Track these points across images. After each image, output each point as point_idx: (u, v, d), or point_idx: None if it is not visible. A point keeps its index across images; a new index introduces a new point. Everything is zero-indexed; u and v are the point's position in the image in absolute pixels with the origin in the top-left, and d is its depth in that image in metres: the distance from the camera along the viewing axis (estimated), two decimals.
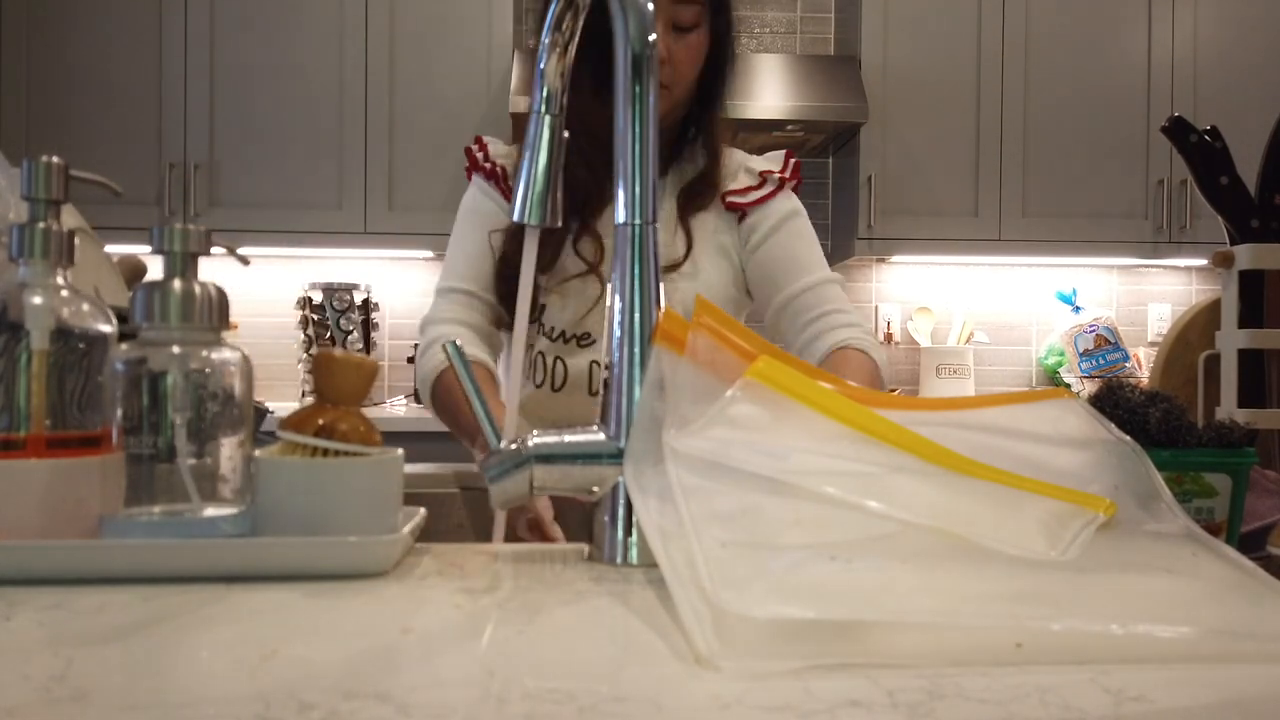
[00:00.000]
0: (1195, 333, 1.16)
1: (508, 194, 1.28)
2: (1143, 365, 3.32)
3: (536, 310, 1.27)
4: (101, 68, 2.96)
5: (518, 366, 0.81)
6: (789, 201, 1.35)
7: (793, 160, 1.38)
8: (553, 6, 0.73)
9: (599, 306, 1.25)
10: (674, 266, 1.28)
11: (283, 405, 2.91)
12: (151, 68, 2.97)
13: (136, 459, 0.61)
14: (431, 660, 0.45)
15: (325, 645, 0.47)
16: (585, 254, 1.26)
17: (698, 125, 1.34)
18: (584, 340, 1.27)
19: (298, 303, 3.14)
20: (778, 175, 1.35)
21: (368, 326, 3.18)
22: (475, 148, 1.36)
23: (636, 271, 0.68)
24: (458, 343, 0.70)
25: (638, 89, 0.68)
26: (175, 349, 0.62)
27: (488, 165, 1.32)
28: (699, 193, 1.32)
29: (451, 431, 1.27)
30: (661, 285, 0.70)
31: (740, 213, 1.34)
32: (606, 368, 0.69)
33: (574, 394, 1.28)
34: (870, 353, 1.25)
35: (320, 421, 0.63)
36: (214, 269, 0.64)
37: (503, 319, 1.31)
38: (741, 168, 1.36)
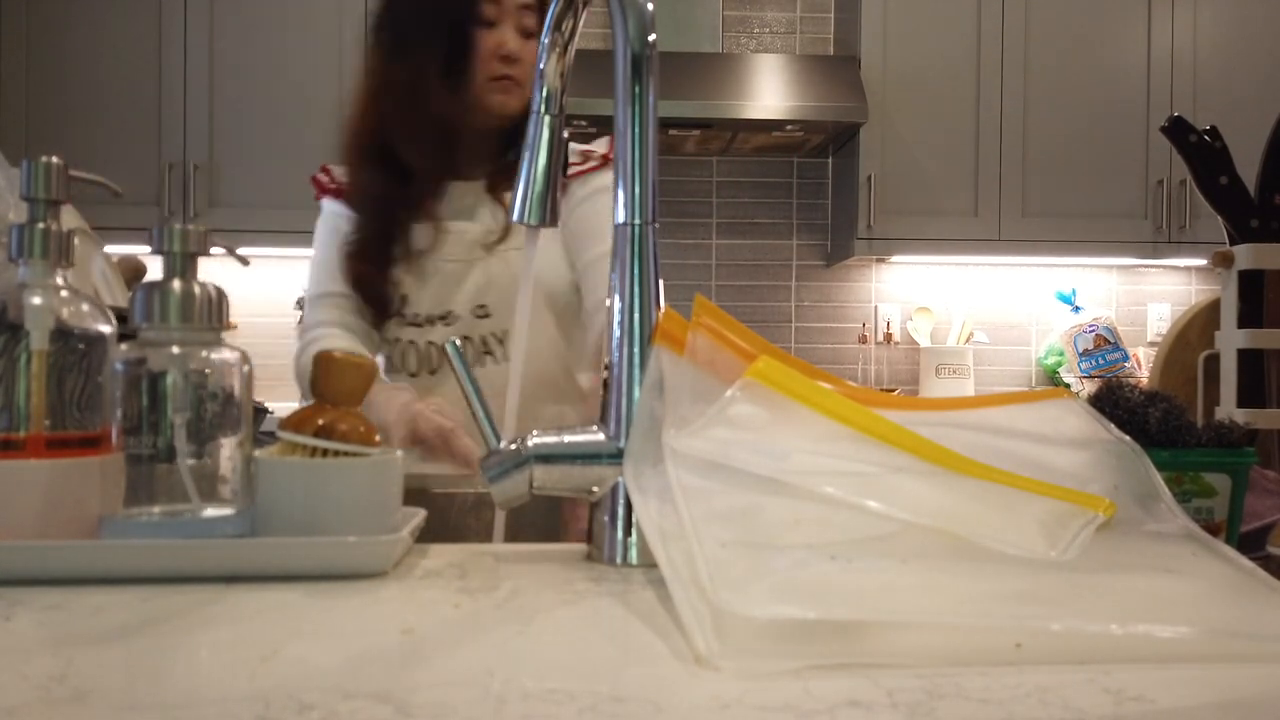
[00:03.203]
0: (1195, 333, 1.17)
1: None
2: (1142, 365, 3.32)
3: (398, 303, 1.36)
4: (101, 68, 2.96)
5: (517, 366, 0.81)
6: (606, 179, 1.42)
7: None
8: (552, 6, 0.73)
9: (461, 285, 1.34)
10: (501, 239, 1.35)
11: (283, 405, 2.91)
12: (151, 68, 2.97)
13: (136, 459, 0.61)
14: (431, 660, 0.45)
15: (325, 645, 0.47)
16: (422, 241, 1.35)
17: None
18: (446, 320, 1.35)
19: (297, 303, 3.13)
20: (600, 154, 1.45)
21: None
22: (323, 176, 1.44)
23: (636, 271, 0.69)
24: (457, 342, 0.70)
25: (637, 89, 0.68)
26: (175, 349, 0.62)
27: (333, 187, 1.41)
28: (510, 168, 1.41)
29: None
30: (662, 285, 0.70)
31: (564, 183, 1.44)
32: (606, 367, 0.69)
33: (450, 374, 1.34)
34: None
35: (320, 422, 0.63)
36: (214, 269, 0.64)
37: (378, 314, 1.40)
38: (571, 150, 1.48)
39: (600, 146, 1.47)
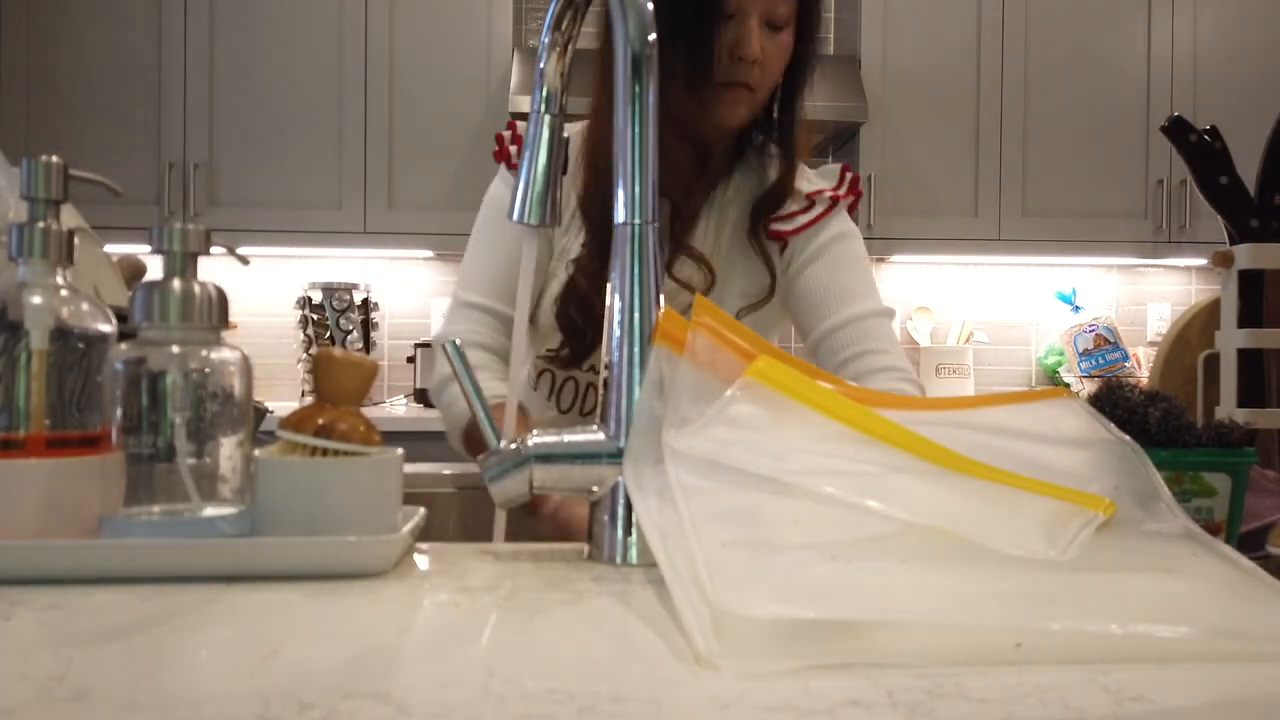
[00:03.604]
0: (1195, 332, 1.17)
1: None
2: (1142, 365, 3.32)
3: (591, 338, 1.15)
4: (101, 68, 2.96)
5: (518, 366, 0.81)
6: (837, 224, 1.20)
7: (849, 175, 1.24)
8: (552, 6, 0.73)
9: None
10: (761, 303, 1.16)
11: (283, 405, 2.91)
12: (151, 68, 2.97)
13: (136, 459, 0.61)
14: (431, 660, 0.45)
15: (325, 645, 0.47)
16: (687, 278, 1.12)
17: (771, 130, 1.21)
18: None
19: (297, 302, 3.14)
20: (829, 195, 1.20)
21: (367, 326, 3.18)
22: (508, 136, 1.20)
23: (636, 271, 0.69)
24: (457, 343, 0.70)
25: (637, 89, 0.68)
26: (175, 349, 0.62)
27: None
28: (772, 204, 1.18)
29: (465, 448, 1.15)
30: (663, 291, 0.69)
31: (782, 242, 1.19)
32: (606, 367, 0.69)
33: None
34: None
35: (320, 421, 0.63)
36: (214, 269, 0.64)
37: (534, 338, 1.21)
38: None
39: (824, 180, 1.22)
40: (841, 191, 1.20)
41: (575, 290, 1.12)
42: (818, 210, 1.18)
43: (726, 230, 1.18)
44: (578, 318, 1.12)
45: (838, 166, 1.24)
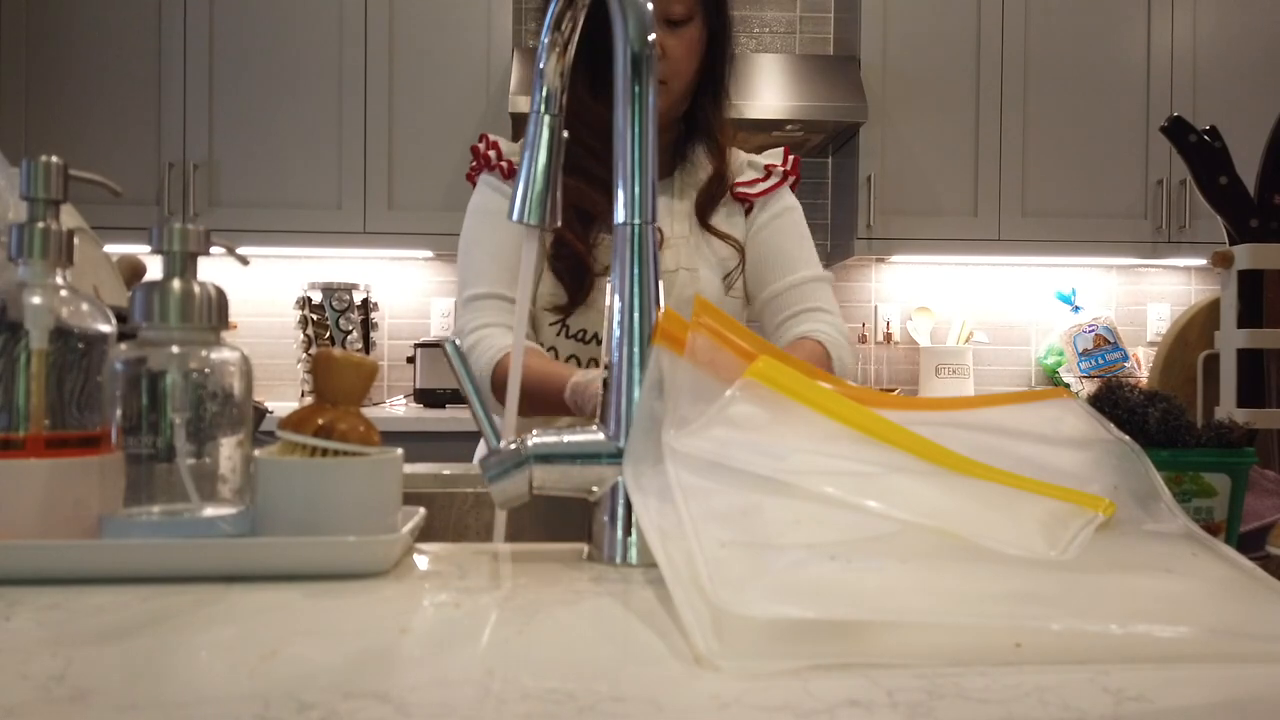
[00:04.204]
0: (1194, 332, 1.16)
1: None
2: (1142, 365, 3.32)
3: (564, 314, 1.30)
4: (101, 67, 2.96)
5: (517, 366, 0.81)
6: (789, 197, 1.43)
7: (791, 156, 1.45)
8: (552, 6, 0.73)
9: None
10: (738, 267, 1.36)
11: (283, 405, 2.91)
12: (151, 67, 2.97)
13: (136, 459, 0.61)
14: (431, 660, 0.45)
15: (325, 645, 0.47)
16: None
17: (700, 123, 1.38)
18: (601, 339, 1.29)
19: (297, 303, 3.13)
20: (781, 169, 1.42)
21: (367, 326, 3.18)
22: (484, 146, 1.34)
23: (636, 272, 0.68)
24: (456, 342, 0.70)
25: (637, 89, 0.68)
26: (175, 349, 0.62)
27: (504, 164, 1.32)
28: (713, 195, 1.37)
29: (533, 409, 1.20)
30: (661, 284, 0.69)
31: (748, 204, 1.40)
32: (606, 367, 0.69)
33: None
34: (827, 345, 1.29)
35: (319, 421, 0.63)
36: (214, 269, 0.64)
37: (536, 320, 1.33)
38: (746, 163, 1.43)
39: (774, 158, 1.44)
40: (789, 168, 1.44)
41: (563, 244, 1.27)
42: (775, 179, 1.41)
43: (684, 218, 1.35)
44: (567, 266, 1.27)
45: (780, 149, 1.45)
